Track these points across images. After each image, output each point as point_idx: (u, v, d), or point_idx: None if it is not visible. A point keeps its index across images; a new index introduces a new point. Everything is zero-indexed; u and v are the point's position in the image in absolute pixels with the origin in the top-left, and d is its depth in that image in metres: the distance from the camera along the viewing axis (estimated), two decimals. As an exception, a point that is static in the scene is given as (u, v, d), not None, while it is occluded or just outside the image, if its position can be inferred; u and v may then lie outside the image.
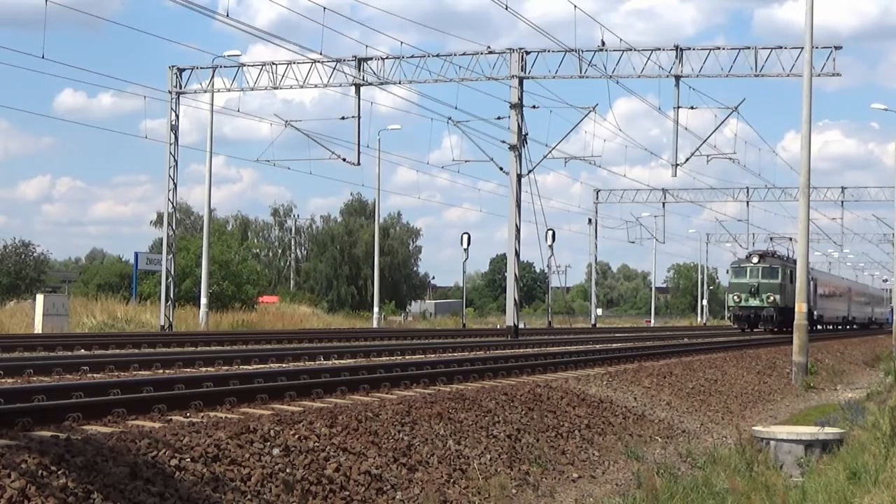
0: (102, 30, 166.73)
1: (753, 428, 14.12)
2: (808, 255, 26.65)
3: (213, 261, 47.42)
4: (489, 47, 35.93)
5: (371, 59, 36.01)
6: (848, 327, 69.97)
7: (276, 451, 8.84)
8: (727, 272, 50.38)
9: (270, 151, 40.58)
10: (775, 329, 46.29)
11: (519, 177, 36.15)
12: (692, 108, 35.49)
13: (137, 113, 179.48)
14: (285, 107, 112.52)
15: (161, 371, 14.41)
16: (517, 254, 36.87)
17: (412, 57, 35.79)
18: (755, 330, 47.11)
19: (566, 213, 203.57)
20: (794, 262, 38.61)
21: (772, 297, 46.19)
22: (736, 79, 34.71)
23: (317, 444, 9.36)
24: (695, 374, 21.23)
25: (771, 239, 56.15)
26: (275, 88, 37.26)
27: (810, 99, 25.12)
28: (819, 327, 60.85)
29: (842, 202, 66.74)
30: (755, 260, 47.47)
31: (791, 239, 48.95)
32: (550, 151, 37.93)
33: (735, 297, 47.54)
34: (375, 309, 54.92)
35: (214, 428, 8.90)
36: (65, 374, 13.29)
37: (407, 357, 19.34)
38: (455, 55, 35.64)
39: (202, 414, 10.05)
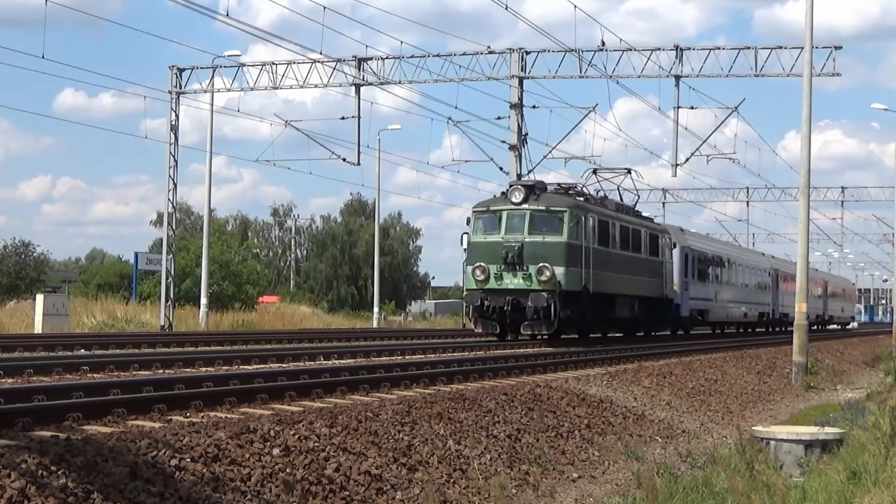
0: (102, 30, 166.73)
1: (753, 428, 14.12)
2: (808, 255, 26.58)
3: (213, 261, 47.43)
4: (489, 47, 35.94)
5: (371, 59, 36.03)
6: (819, 327, 60.01)
7: (276, 451, 8.84)
8: (468, 223, 27.05)
9: (270, 151, 40.67)
10: (551, 334, 25.95)
11: (519, 177, 36.14)
12: (692, 108, 35.52)
13: (138, 113, 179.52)
14: (286, 107, 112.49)
15: (161, 371, 14.40)
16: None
17: (412, 57, 35.82)
18: (519, 337, 26.70)
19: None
20: (604, 201, 30.03)
21: (547, 273, 24.97)
22: (736, 79, 34.73)
23: (317, 444, 9.36)
24: (695, 374, 21.24)
25: (566, 162, 38.54)
26: (275, 88, 37.30)
27: (810, 99, 25.13)
28: (782, 328, 52.56)
29: (842, 202, 66.78)
30: (518, 196, 25.90)
31: (629, 171, 32.96)
32: (550, 151, 37.81)
33: (476, 273, 25.66)
34: (375, 309, 54.91)
35: (214, 428, 8.90)
36: (65, 374, 13.29)
37: (407, 357, 19.32)
38: (455, 55, 35.65)
39: (202, 414, 10.05)
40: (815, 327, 58.90)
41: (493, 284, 25.68)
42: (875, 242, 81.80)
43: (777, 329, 52.42)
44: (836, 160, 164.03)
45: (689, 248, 37.90)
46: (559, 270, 25.32)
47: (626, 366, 20.56)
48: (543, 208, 26.00)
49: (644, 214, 36.05)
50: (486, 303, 25.64)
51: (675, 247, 35.65)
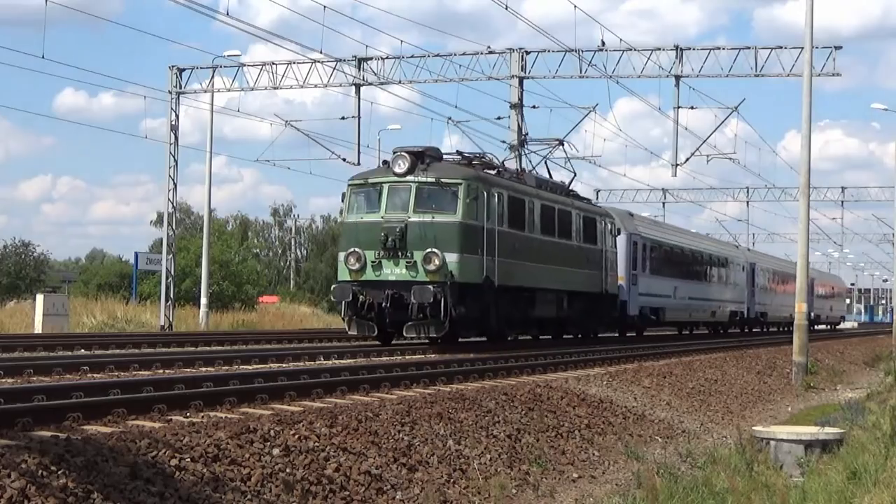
0: (102, 30, 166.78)
1: (753, 428, 14.13)
2: (809, 255, 26.60)
3: (213, 261, 47.42)
4: (489, 47, 35.90)
5: (371, 59, 36.02)
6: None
7: (276, 451, 8.85)
8: (342, 199, 22.58)
9: (270, 151, 40.55)
10: (442, 336, 21.24)
11: (519, 176, 36.13)
12: (692, 108, 35.47)
13: (138, 113, 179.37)
14: (287, 107, 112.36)
15: (161, 371, 14.40)
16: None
17: (412, 57, 35.79)
18: (401, 340, 21.89)
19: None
20: (522, 176, 25.74)
21: (436, 261, 20.58)
22: (736, 79, 34.73)
23: (317, 444, 9.36)
24: (695, 374, 21.25)
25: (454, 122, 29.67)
26: (275, 88, 37.28)
27: (810, 99, 25.15)
28: (760, 329, 49.77)
29: (842, 202, 66.76)
30: (402, 165, 21.35)
31: (561, 142, 29.46)
32: (551, 151, 37.90)
33: (349, 262, 21.33)
34: (375, 309, 54.70)
35: (214, 428, 8.90)
36: (65, 374, 13.28)
37: (407, 357, 19.31)
38: (455, 55, 35.63)
39: (202, 414, 10.05)
40: (790, 328, 54.66)
41: (369, 275, 21.11)
42: (875, 242, 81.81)
43: (754, 330, 48.19)
44: (837, 160, 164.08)
45: (638, 236, 33.57)
46: (451, 257, 20.75)
47: (626, 366, 20.57)
48: (433, 180, 21.20)
49: (583, 196, 31.27)
50: (361, 298, 20.94)
51: (619, 234, 31.25)
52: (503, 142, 36.24)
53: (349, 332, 22.15)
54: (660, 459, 13.09)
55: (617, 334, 33.03)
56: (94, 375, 13.30)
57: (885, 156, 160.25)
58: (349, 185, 22.39)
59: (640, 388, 17.65)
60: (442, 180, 21.36)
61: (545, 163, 29.66)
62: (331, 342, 24.82)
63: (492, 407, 12.69)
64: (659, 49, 34.55)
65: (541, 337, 27.88)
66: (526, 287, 24.19)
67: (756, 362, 26.46)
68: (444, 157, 22.93)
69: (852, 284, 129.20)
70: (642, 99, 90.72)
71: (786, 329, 52.04)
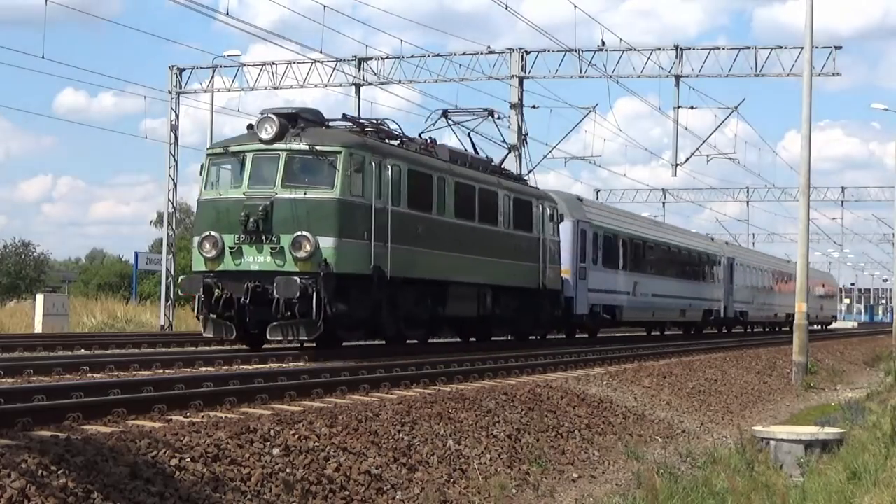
0: (102, 30, 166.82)
1: (753, 428, 14.13)
2: (808, 254, 26.59)
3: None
4: (489, 47, 35.95)
5: (371, 58, 36.04)
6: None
7: (276, 451, 8.85)
8: (200, 173, 19.01)
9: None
10: (316, 340, 17.67)
11: (519, 176, 36.17)
12: (692, 108, 35.62)
13: (138, 113, 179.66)
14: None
15: (161, 371, 14.40)
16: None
17: (412, 57, 35.83)
18: (270, 345, 18.46)
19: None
20: (432, 148, 21.65)
21: (307, 246, 17.17)
22: (736, 79, 34.77)
23: (317, 444, 9.36)
24: (695, 374, 21.25)
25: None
26: (275, 88, 37.29)
27: (810, 99, 25.14)
28: (739, 328, 46.48)
29: (842, 202, 66.91)
30: (270, 130, 17.85)
31: (491, 113, 25.84)
32: (551, 151, 37.95)
33: (203, 248, 17.86)
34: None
35: (214, 428, 8.90)
36: (65, 374, 13.29)
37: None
38: (455, 55, 35.65)
39: (202, 414, 10.05)
40: (776, 328, 51.04)
41: (228, 264, 17.50)
42: (875, 242, 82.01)
43: (734, 331, 44.90)
44: (836, 160, 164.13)
45: (587, 223, 29.23)
46: (327, 242, 17.14)
47: (626, 366, 20.56)
48: (306, 148, 17.60)
49: (518, 175, 27.77)
50: (216, 292, 17.36)
51: (562, 220, 27.29)
52: (503, 142, 36.31)
53: (204, 334, 18.46)
54: (660, 459, 13.09)
55: (565, 336, 29.67)
56: (94, 375, 13.30)
57: (885, 156, 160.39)
58: (207, 154, 18.82)
59: (640, 388, 17.65)
60: (317, 148, 17.65)
61: (469, 136, 26.02)
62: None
63: (492, 407, 12.69)
64: (659, 49, 34.59)
65: (465, 340, 24.56)
66: (434, 280, 20.46)
67: (756, 362, 26.46)
68: (331, 123, 19.49)
69: (852, 284, 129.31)
70: (642, 99, 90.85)
71: (769, 330, 50.11)
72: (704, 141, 36.64)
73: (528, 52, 35.63)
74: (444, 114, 25.46)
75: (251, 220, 17.23)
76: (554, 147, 38.07)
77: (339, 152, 17.70)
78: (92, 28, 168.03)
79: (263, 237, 17.30)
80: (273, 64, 36.70)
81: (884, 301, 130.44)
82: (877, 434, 12.17)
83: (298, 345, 18.13)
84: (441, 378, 14.74)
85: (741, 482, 10.32)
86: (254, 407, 10.87)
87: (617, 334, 36.33)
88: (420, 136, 22.53)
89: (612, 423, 14.47)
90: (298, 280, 16.84)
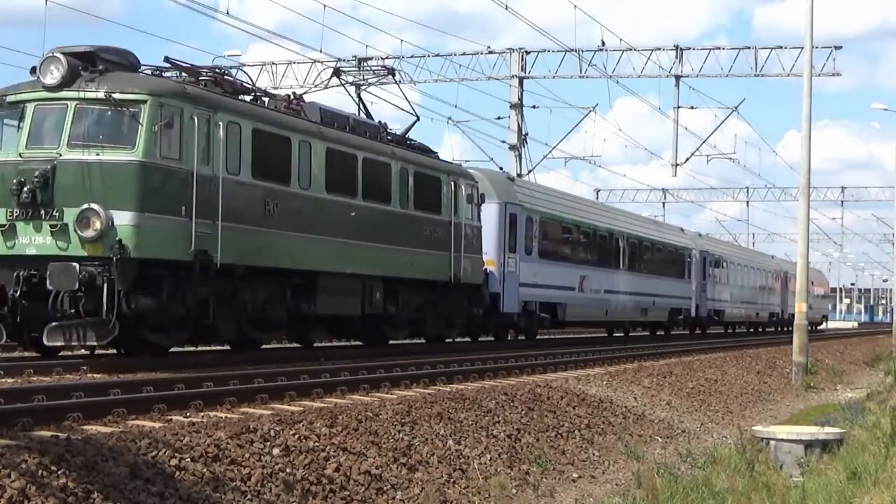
0: (102, 30, 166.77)
1: (753, 428, 14.14)
2: (808, 254, 26.59)
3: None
4: (489, 47, 36.03)
5: (371, 59, 36.04)
6: (779, 328, 48.64)
7: (276, 451, 8.85)
8: None
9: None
10: (110, 344, 14.22)
11: (519, 176, 36.19)
12: (692, 108, 35.73)
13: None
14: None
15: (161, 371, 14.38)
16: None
17: (412, 57, 35.87)
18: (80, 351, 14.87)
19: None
20: (297, 105, 17.52)
21: (97, 223, 13.12)
22: (736, 79, 34.85)
23: (317, 444, 9.36)
24: (695, 374, 21.24)
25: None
26: (275, 88, 37.28)
27: (810, 99, 25.14)
28: (725, 330, 44.38)
29: (842, 202, 67.04)
30: (56, 74, 13.59)
31: (392, 71, 22.50)
32: (551, 151, 38.01)
33: None
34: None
35: (214, 428, 8.91)
36: (65, 374, 13.27)
37: (407, 357, 19.17)
38: (455, 55, 35.71)
39: (202, 414, 10.05)
40: (760, 329, 48.74)
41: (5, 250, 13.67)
42: (875, 242, 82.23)
43: (708, 332, 41.30)
44: (837, 160, 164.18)
45: (518, 206, 24.70)
46: (123, 218, 13.38)
47: (626, 366, 20.56)
48: (102, 96, 13.67)
49: (423, 146, 21.59)
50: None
51: (484, 202, 22.83)
52: (503, 142, 36.34)
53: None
54: (660, 459, 13.09)
55: (493, 338, 25.39)
56: (94, 375, 13.28)
57: (885, 156, 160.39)
58: None
59: (640, 388, 17.64)
60: (115, 96, 13.64)
61: (358, 95, 22.43)
62: (331, 342, 21.19)
63: (492, 407, 12.69)
64: (659, 49, 34.63)
65: (354, 342, 21.36)
66: (296, 270, 16.64)
67: (756, 362, 26.45)
68: (148, 68, 15.40)
69: (852, 284, 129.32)
70: (642, 99, 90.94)
71: (749, 330, 47.13)
72: (704, 141, 36.72)
73: (528, 53, 35.68)
74: (336, 72, 22.57)
75: (26, 189, 13.37)
76: (554, 147, 38.12)
77: (144, 101, 13.73)
78: (92, 28, 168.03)
79: (42, 212, 13.46)
80: (273, 64, 36.75)
81: (884, 301, 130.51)
82: (877, 434, 12.19)
83: (88, 351, 14.73)
84: (441, 378, 14.73)
85: (741, 482, 10.32)
86: (254, 407, 10.87)
87: (566, 335, 33.07)
88: (222, 70, 17.67)
89: (612, 423, 14.46)
90: (78, 267, 13.07)
